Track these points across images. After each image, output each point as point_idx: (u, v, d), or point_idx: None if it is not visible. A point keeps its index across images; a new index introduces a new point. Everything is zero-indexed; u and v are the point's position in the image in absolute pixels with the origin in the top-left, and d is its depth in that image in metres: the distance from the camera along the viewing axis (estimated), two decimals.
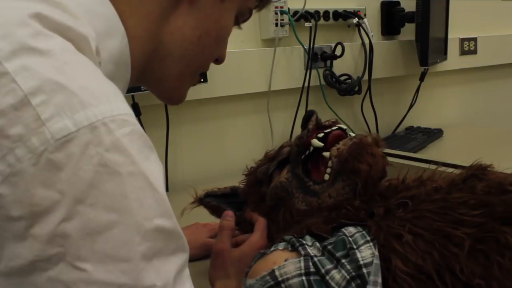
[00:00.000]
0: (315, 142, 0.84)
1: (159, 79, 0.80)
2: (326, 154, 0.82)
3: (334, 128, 0.85)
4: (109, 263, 0.47)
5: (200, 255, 1.05)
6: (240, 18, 0.83)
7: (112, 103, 0.50)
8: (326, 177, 0.81)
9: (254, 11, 0.86)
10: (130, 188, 0.48)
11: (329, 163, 0.81)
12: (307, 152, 0.86)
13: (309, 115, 0.88)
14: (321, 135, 0.84)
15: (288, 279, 0.68)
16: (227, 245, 0.88)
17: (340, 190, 0.80)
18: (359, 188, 0.79)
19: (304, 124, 0.87)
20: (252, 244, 0.87)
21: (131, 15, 0.67)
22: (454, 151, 1.94)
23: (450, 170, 0.85)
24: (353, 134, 0.84)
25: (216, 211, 1.00)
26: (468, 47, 2.46)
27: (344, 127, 0.86)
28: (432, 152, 1.90)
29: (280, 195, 0.86)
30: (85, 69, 0.51)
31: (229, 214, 0.92)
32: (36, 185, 0.45)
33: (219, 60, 0.85)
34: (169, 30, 0.73)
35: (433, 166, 0.89)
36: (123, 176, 0.48)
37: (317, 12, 1.86)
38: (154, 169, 0.51)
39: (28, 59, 0.47)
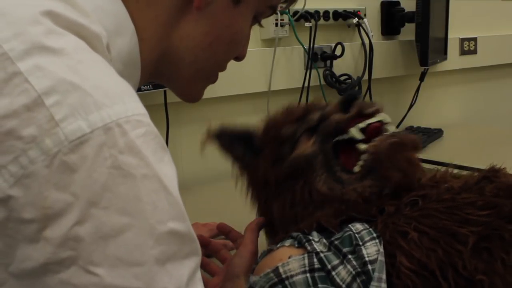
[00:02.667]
0: (356, 133, 0.79)
1: (171, 81, 0.79)
2: (363, 146, 0.78)
3: (375, 119, 0.80)
4: (122, 267, 0.46)
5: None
6: (260, 17, 0.81)
7: (127, 103, 0.49)
8: (356, 169, 0.78)
9: (281, 6, 0.84)
10: (144, 191, 0.47)
11: (363, 157, 0.78)
12: (341, 138, 0.81)
13: (351, 98, 0.83)
14: (362, 125, 0.79)
15: (292, 276, 0.67)
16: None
17: (367, 188, 0.77)
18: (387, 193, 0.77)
19: (345, 107, 0.82)
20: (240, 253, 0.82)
21: (139, 17, 0.67)
22: (454, 151, 1.94)
23: (462, 171, 0.84)
24: (393, 128, 0.80)
25: (226, 152, 0.94)
26: (468, 47, 2.45)
27: (387, 119, 0.80)
28: (432, 152, 1.90)
29: (302, 166, 0.82)
30: (99, 68, 0.51)
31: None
32: (49, 187, 0.44)
33: (239, 58, 0.84)
34: (178, 36, 0.72)
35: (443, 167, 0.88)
36: (137, 179, 0.47)
37: (317, 12, 1.85)
38: (168, 171, 0.51)
39: (41, 58, 0.46)
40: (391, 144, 0.77)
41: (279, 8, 0.85)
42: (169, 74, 0.77)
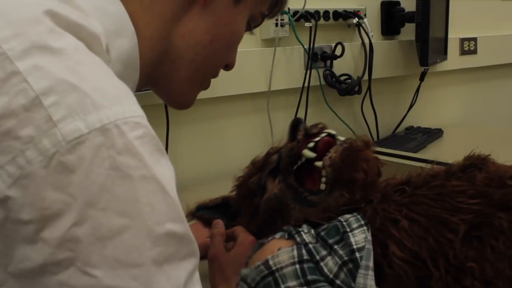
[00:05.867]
0: (308, 153, 0.83)
1: (168, 82, 0.79)
2: (319, 163, 0.81)
3: (323, 135, 0.84)
4: (119, 268, 0.46)
5: (200, 255, 1.05)
6: (253, 23, 0.83)
7: (125, 105, 0.49)
8: (322, 186, 0.81)
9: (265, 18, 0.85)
10: (142, 192, 0.47)
11: (323, 173, 0.81)
12: (299, 163, 0.85)
13: (296, 124, 0.86)
14: (311, 144, 0.83)
15: (282, 268, 0.68)
16: (221, 249, 0.87)
17: (339, 198, 0.79)
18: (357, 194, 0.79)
19: (292, 134, 0.86)
20: (242, 243, 0.87)
21: (142, 15, 0.67)
22: (454, 151, 1.92)
23: None
24: (342, 138, 0.83)
25: (210, 223, 0.99)
26: (468, 47, 2.45)
27: (333, 132, 0.85)
28: (432, 152, 1.90)
29: (275, 207, 0.85)
30: (97, 70, 0.51)
31: (219, 222, 0.92)
32: (47, 188, 0.44)
33: (228, 66, 0.85)
34: (180, 32, 0.73)
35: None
36: (135, 180, 0.47)
37: (317, 12, 1.85)
38: (165, 173, 0.51)
39: (40, 58, 0.46)
40: (343, 150, 0.80)
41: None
42: (167, 75, 0.77)
